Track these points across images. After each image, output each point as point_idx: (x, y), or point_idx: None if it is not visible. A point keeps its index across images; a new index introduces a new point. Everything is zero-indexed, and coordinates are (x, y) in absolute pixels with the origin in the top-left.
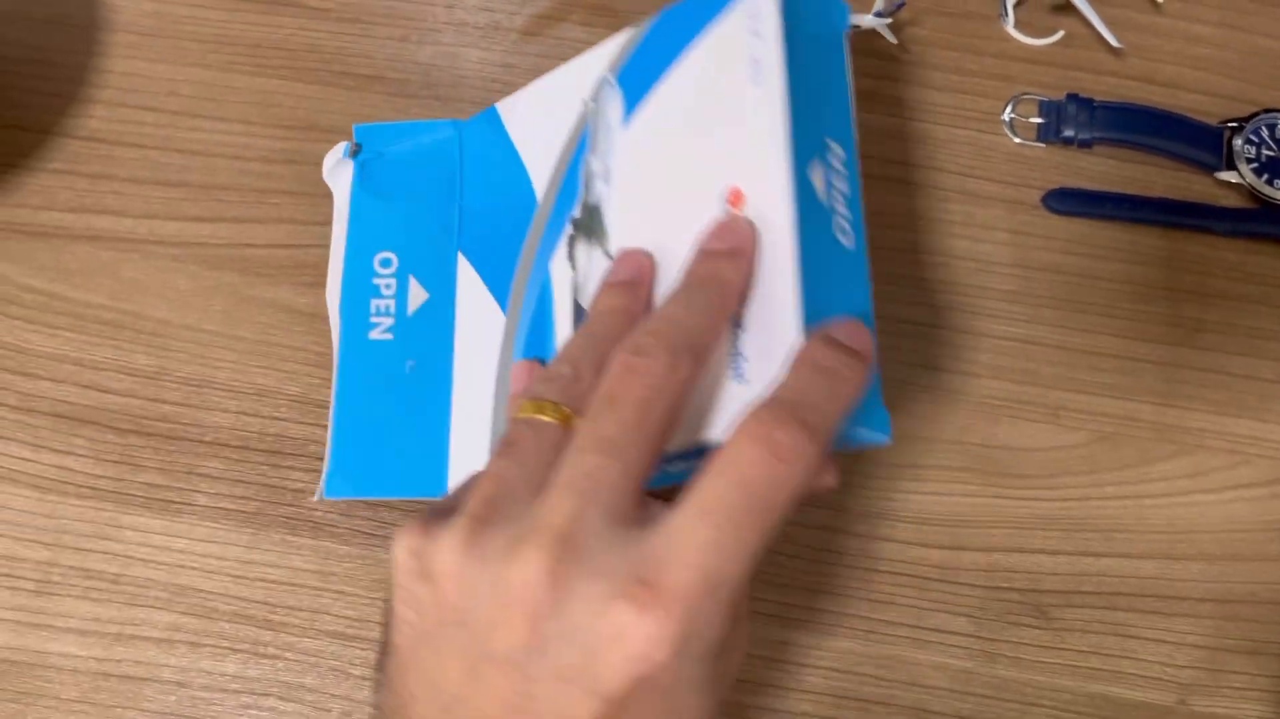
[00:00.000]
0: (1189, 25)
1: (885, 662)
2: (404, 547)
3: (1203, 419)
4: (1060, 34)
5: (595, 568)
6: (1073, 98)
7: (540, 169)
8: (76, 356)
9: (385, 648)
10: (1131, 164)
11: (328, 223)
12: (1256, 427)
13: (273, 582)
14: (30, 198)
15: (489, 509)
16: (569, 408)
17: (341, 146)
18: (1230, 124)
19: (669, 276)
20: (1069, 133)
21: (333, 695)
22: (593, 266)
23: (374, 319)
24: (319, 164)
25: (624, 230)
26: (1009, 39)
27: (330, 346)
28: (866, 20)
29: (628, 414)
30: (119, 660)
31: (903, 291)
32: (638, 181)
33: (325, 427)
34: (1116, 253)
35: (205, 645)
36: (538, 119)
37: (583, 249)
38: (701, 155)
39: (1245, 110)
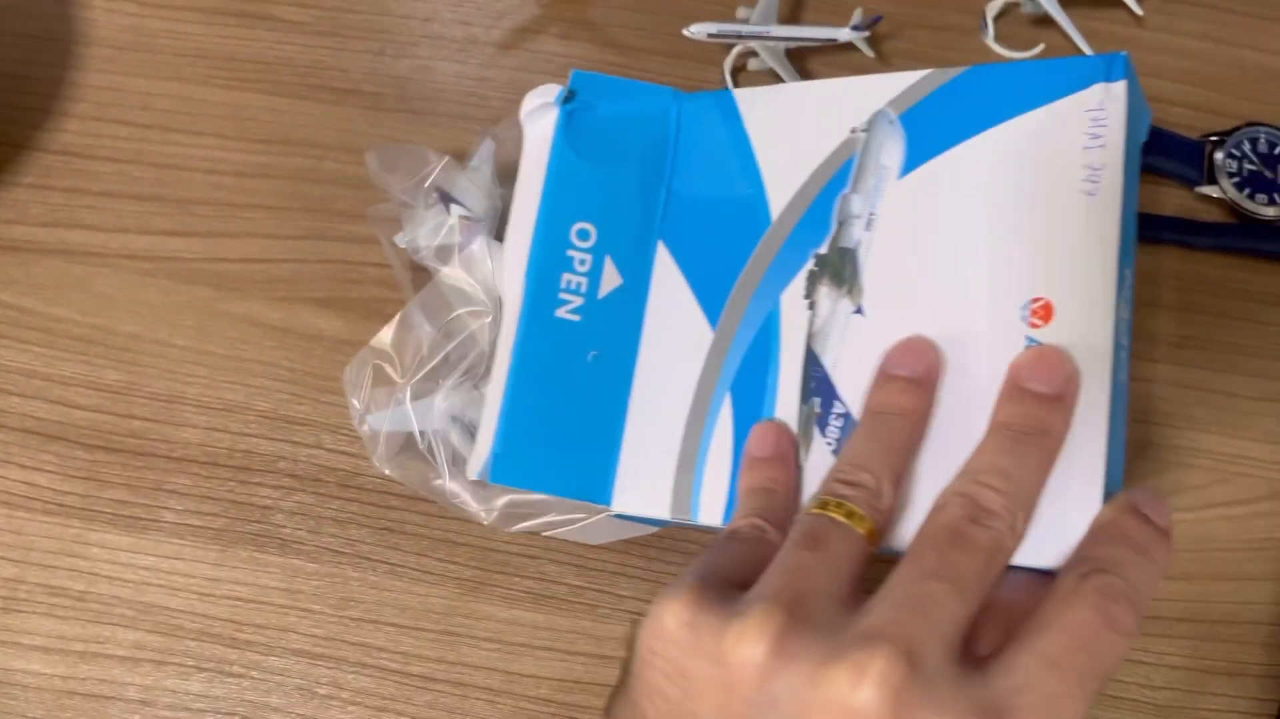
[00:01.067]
0: (1171, 38)
1: None
2: (678, 617)
3: (1182, 436)
4: (1041, 47)
5: (938, 699)
6: None
7: (779, 183)
8: (46, 372)
9: (627, 704)
10: None
11: (301, 238)
12: (1236, 444)
13: (239, 599)
14: (2, 212)
15: (799, 606)
16: (874, 522)
17: (551, 87)
18: (1212, 138)
19: (949, 371)
20: None
21: (299, 715)
22: (836, 316)
23: (563, 295)
24: (293, 178)
25: (884, 293)
26: (989, 53)
27: (303, 361)
28: (844, 34)
29: (979, 558)
30: (84, 679)
31: None
32: (909, 243)
33: (296, 443)
34: None
35: (170, 664)
36: (785, 126)
37: (826, 293)
38: (1002, 248)
39: (1227, 124)
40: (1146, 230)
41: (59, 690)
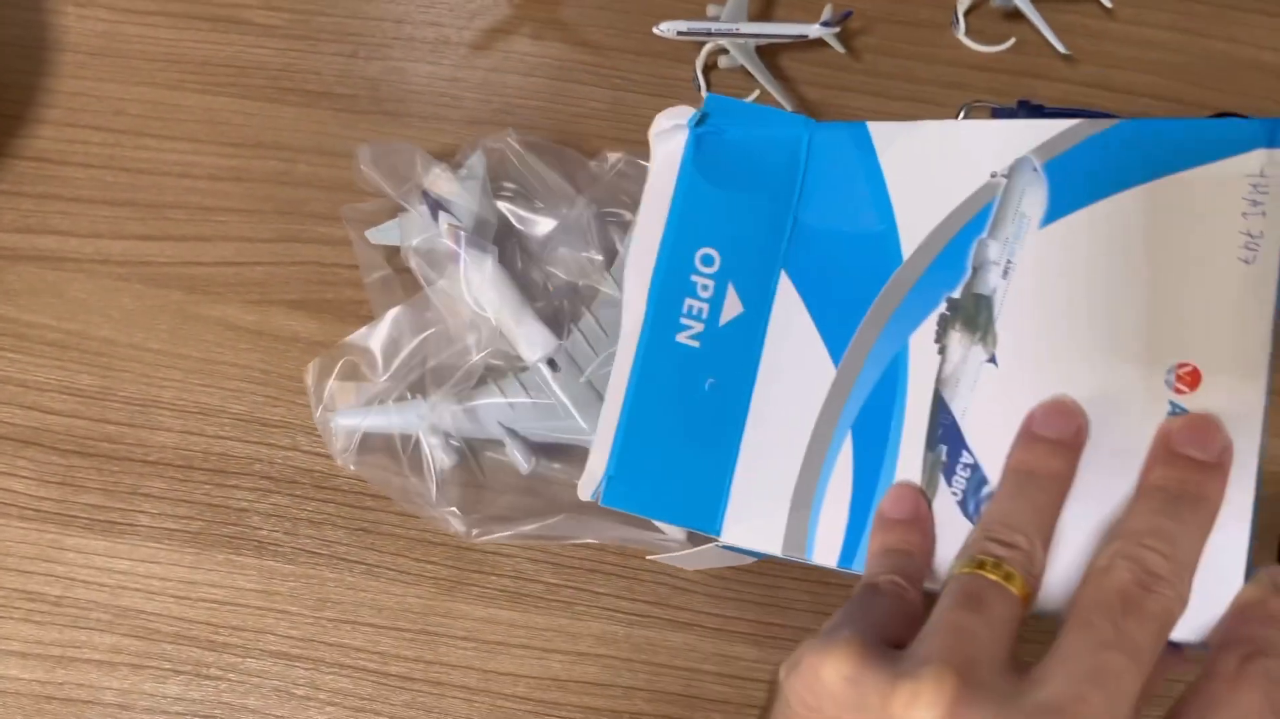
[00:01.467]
0: (1141, 30)
1: None
2: (839, 672)
3: None
4: (1012, 41)
5: None
6: (1024, 104)
7: (913, 222)
8: (20, 378)
9: None
10: None
11: (274, 240)
12: None
13: (216, 602)
14: None
15: (970, 671)
16: (1029, 585)
17: (684, 109)
18: None
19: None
20: None
21: (276, 716)
22: (968, 364)
23: (684, 320)
24: (266, 181)
25: (1020, 344)
26: (960, 46)
27: (278, 363)
28: (814, 30)
29: (1152, 628)
30: (61, 683)
31: None
32: (1049, 295)
33: (271, 445)
34: None
35: (148, 667)
36: (922, 164)
37: (958, 339)
38: (1149, 310)
39: (1198, 114)
40: None
41: (37, 695)
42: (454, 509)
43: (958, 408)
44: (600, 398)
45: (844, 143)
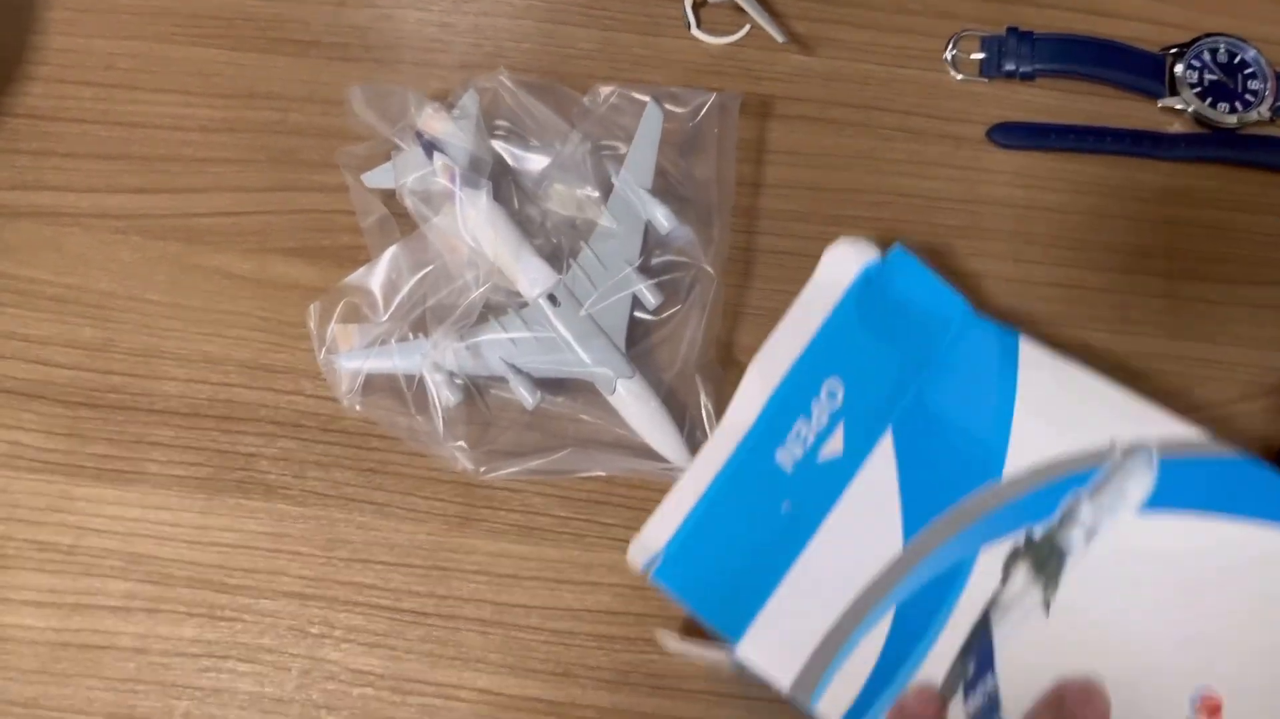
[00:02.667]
0: None
1: None
2: None
3: (1154, 344)
4: (746, 29)
5: None
6: (1012, 31)
7: (1025, 446)
8: (23, 332)
9: None
10: (1075, 95)
11: (270, 189)
12: (1208, 349)
13: (228, 545)
14: None
15: None
16: None
17: (870, 249)
18: (1171, 50)
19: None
20: (1010, 66)
21: (292, 654)
22: (1023, 601)
23: (789, 440)
24: (260, 131)
25: (1075, 609)
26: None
27: (279, 310)
28: None
29: None
30: (77, 630)
31: (851, 232)
32: (1115, 580)
33: (276, 390)
34: (1062, 184)
35: (162, 611)
36: (1055, 400)
37: (1023, 574)
38: (1193, 630)
39: (1187, 36)
40: (1113, 144)
41: (53, 643)
42: (461, 444)
43: (999, 635)
44: (600, 331)
45: (992, 343)
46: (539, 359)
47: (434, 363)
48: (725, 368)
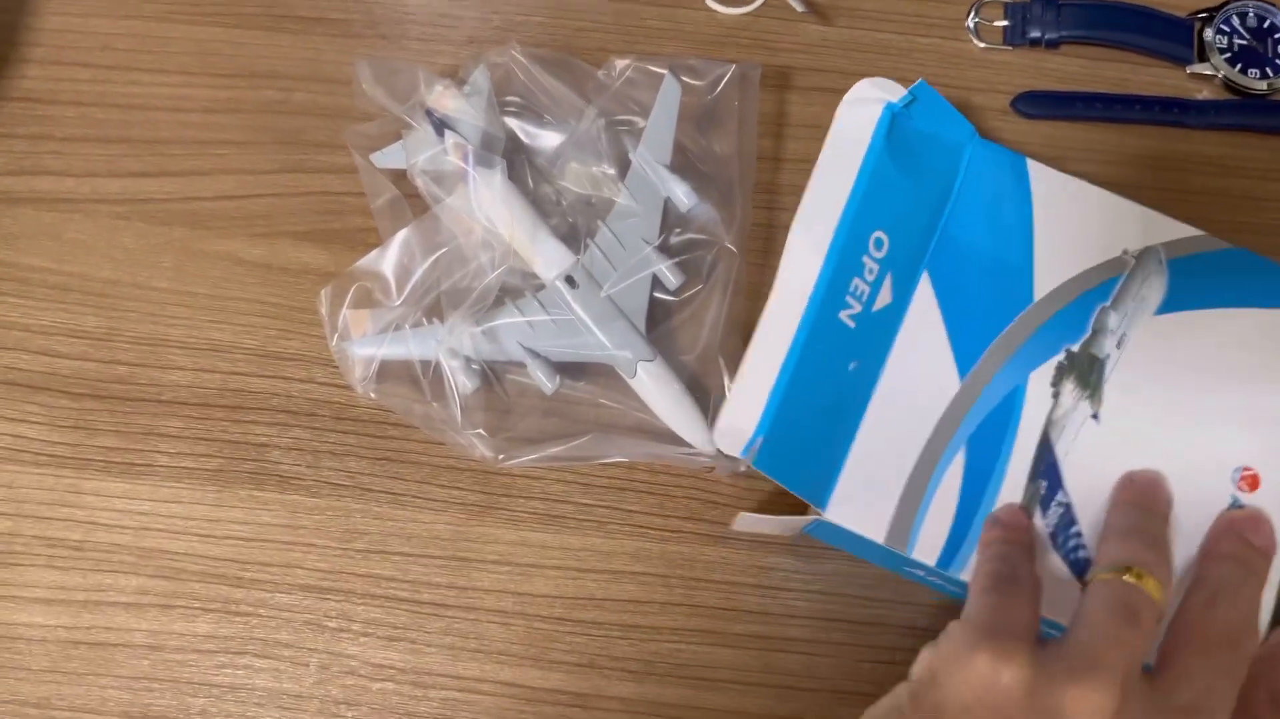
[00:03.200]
0: None
1: (872, 582)
2: (1019, 679)
3: None
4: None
5: None
6: None
7: (1049, 267)
8: (25, 323)
9: None
10: (1101, 62)
11: (276, 171)
12: None
13: (241, 539)
14: None
15: (1129, 680)
16: (1165, 597)
17: (892, 84)
18: (1200, 15)
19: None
20: (1035, 34)
21: (310, 649)
22: (1075, 414)
23: (848, 299)
24: (263, 111)
25: (1121, 411)
26: None
27: (289, 296)
28: None
29: (1245, 659)
30: (88, 628)
31: None
32: (1150, 376)
33: (288, 379)
34: (1091, 153)
35: (176, 607)
36: (1068, 218)
37: (1070, 389)
38: (1229, 414)
39: (1215, 0)
40: (1142, 113)
41: (63, 641)
42: (479, 431)
43: (1060, 450)
44: (620, 313)
45: (1003, 167)
46: (558, 343)
47: (450, 348)
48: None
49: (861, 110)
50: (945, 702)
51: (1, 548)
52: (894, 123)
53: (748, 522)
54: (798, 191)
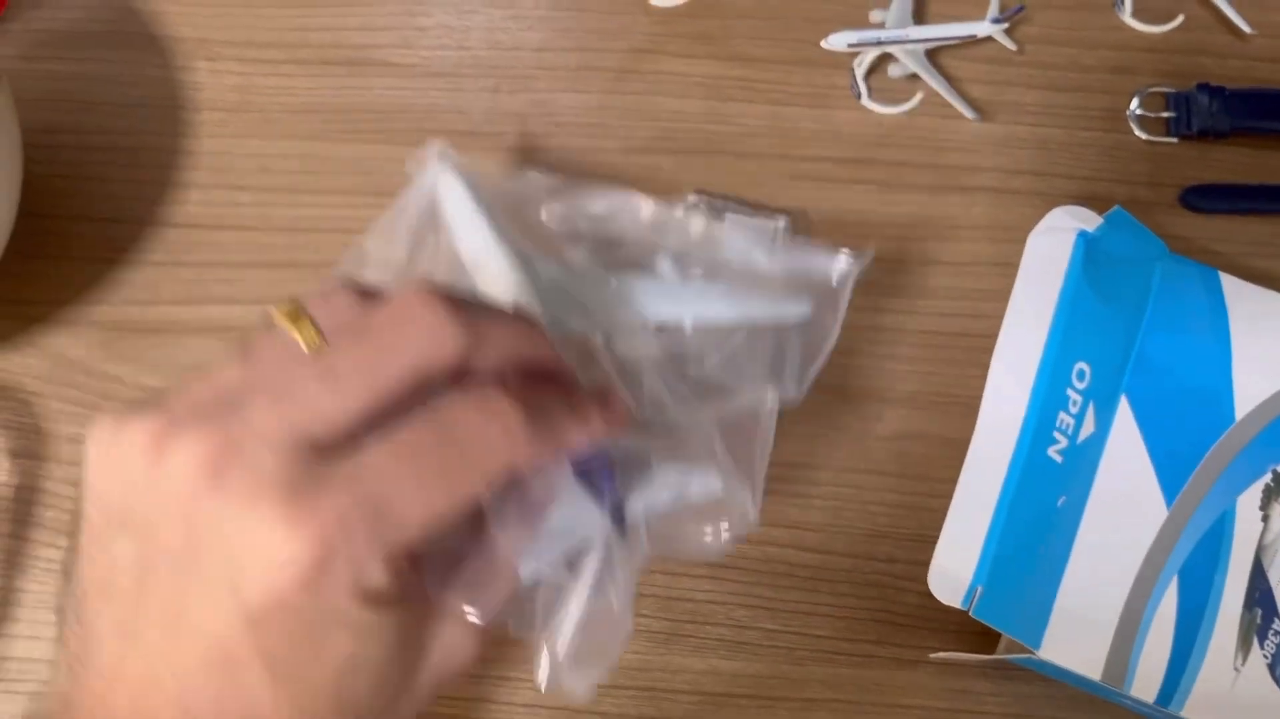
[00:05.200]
0: None
1: (1069, 702)
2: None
3: None
4: (1180, 19)
5: (255, 475)
6: (1203, 87)
7: (1250, 385)
8: None
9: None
10: (1272, 152)
11: None
12: None
13: None
14: (136, 293)
15: (188, 410)
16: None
17: (1082, 212)
18: None
19: None
20: (1202, 125)
21: None
22: None
23: (1055, 434)
24: None
25: None
26: (1125, 28)
27: None
28: (984, 28)
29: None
30: None
31: None
32: None
33: None
34: (1266, 248)
35: None
36: (1262, 330)
37: (1279, 512)
38: None
39: None
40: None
41: None
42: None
43: (1274, 576)
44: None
45: (1193, 281)
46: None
47: None
48: None
49: (1054, 239)
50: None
51: None
52: (1089, 249)
53: (949, 656)
54: (966, 296)
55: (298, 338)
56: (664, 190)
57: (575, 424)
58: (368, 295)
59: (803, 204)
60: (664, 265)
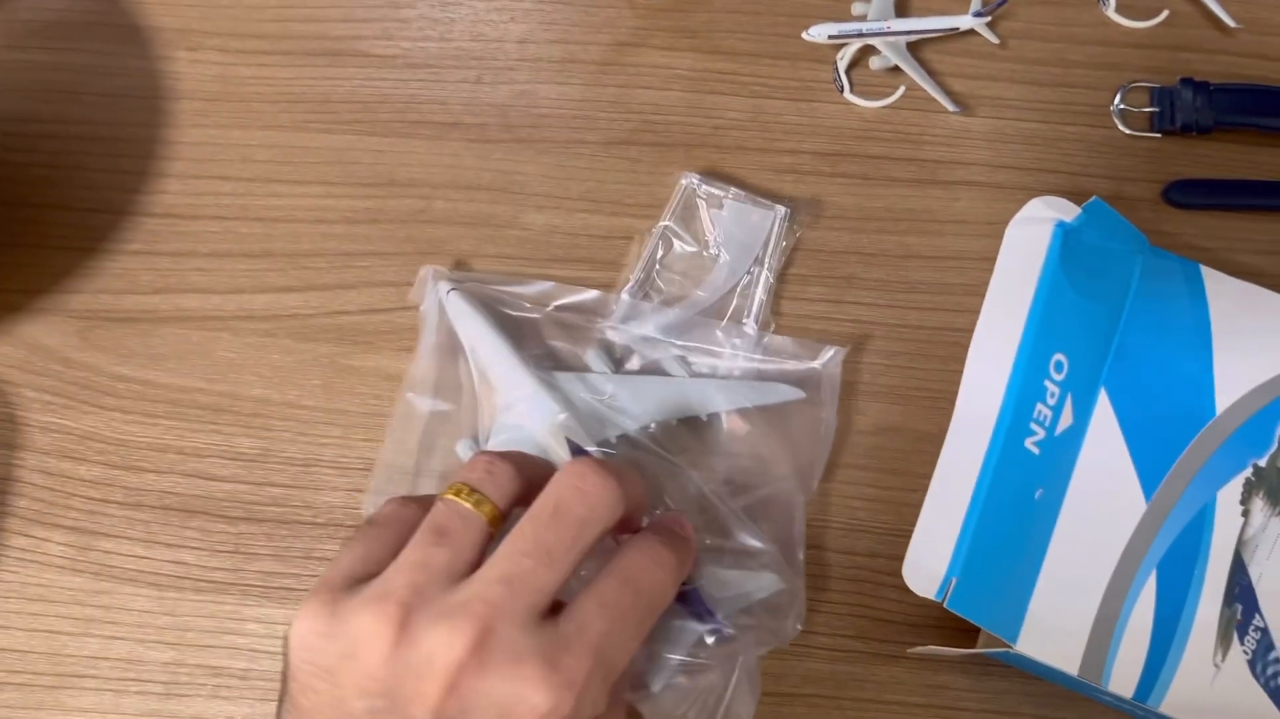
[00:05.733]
0: None
1: (1045, 699)
2: (311, 619)
3: None
4: (1165, 14)
5: (512, 648)
6: (1186, 82)
7: (1229, 378)
8: (178, 445)
9: (287, 706)
10: (1256, 148)
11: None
12: None
13: None
14: (112, 282)
15: (416, 596)
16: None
17: (1064, 203)
18: None
19: None
20: (1185, 120)
21: None
22: (1267, 532)
23: (1033, 425)
24: (405, 220)
25: None
26: (1111, 24)
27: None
28: (966, 21)
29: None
30: None
31: None
32: None
33: None
34: (1248, 244)
35: None
36: (1249, 326)
37: (1260, 506)
38: None
39: None
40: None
41: None
42: None
43: (1254, 572)
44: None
45: (1174, 275)
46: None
47: None
48: None
49: (1031, 230)
50: (287, 670)
51: (166, 678)
52: (1066, 240)
53: (926, 650)
54: (947, 290)
55: (483, 517)
56: (646, 183)
57: (688, 553)
58: (520, 465)
59: (784, 197)
60: (667, 361)
